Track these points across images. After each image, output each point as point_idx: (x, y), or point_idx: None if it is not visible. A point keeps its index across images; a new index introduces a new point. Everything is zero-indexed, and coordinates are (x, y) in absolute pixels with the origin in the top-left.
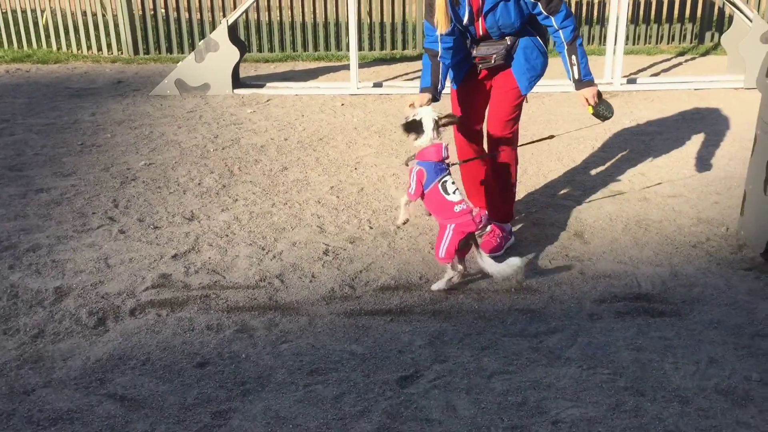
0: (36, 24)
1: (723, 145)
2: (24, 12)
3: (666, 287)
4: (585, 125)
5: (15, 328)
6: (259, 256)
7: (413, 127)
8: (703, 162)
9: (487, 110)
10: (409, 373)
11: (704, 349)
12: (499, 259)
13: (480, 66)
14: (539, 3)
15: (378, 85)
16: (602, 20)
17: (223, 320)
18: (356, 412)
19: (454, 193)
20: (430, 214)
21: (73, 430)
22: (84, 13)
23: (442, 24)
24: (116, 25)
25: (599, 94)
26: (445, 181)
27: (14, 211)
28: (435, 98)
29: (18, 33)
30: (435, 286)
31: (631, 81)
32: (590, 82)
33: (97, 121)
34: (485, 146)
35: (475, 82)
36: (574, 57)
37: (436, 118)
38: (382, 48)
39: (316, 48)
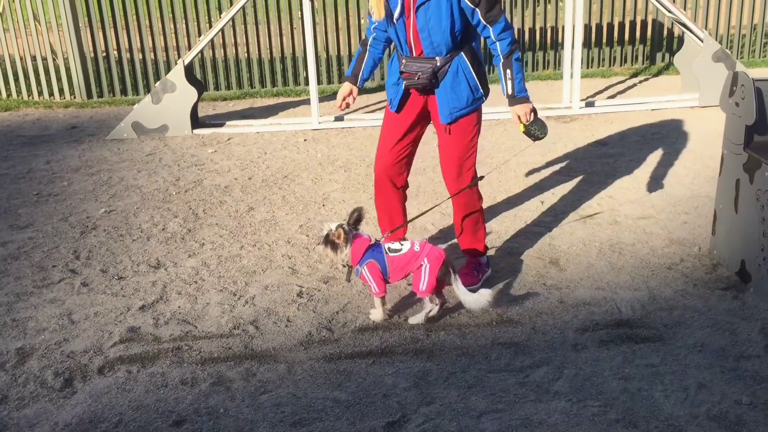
0: None
1: (685, 163)
2: None
3: (646, 311)
4: (519, 152)
5: None
6: (231, 302)
7: (333, 246)
8: (668, 182)
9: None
10: (396, 418)
11: (691, 374)
12: (474, 290)
13: (405, 83)
14: (478, 10)
15: (339, 118)
16: (556, 45)
17: (198, 373)
18: None
19: (401, 245)
20: (407, 279)
21: None
22: (33, 58)
23: (375, 10)
24: (68, 69)
25: (534, 112)
26: (388, 249)
27: None
28: (357, 86)
29: None
30: (413, 320)
31: (590, 104)
32: (524, 99)
33: (52, 169)
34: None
35: (408, 112)
36: (509, 71)
37: (344, 227)
38: (340, 81)
39: (274, 84)
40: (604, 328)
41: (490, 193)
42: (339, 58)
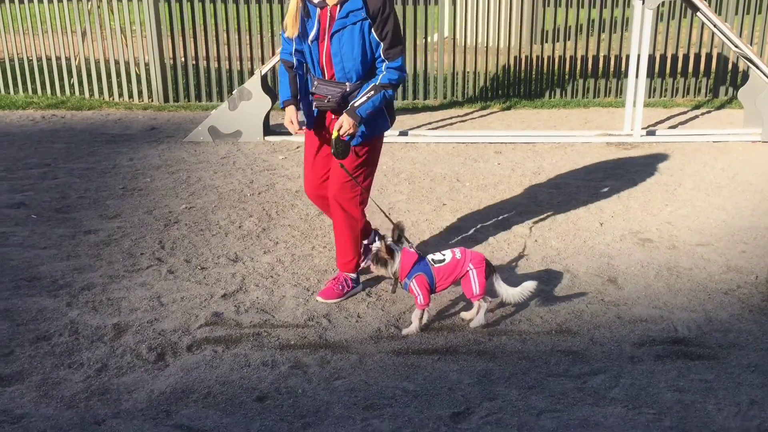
0: (69, 71)
1: (745, 195)
2: (58, 59)
3: (702, 332)
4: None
5: (79, 362)
6: (305, 296)
7: (382, 262)
8: (728, 212)
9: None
10: (460, 409)
11: (744, 392)
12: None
13: (315, 104)
14: (381, 43)
15: (404, 133)
16: (618, 73)
17: (277, 357)
18: None
19: (444, 255)
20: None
21: None
22: (117, 62)
23: (289, 27)
24: (148, 73)
25: (351, 136)
26: (433, 260)
27: (66, 252)
28: (298, 108)
29: (52, 80)
30: (475, 323)
31: (651, 133)
32: (358, 118)
33: (135, 166)
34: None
35: (326, 129)
36: (372, 93)
37: (388, 243)
38: (404, 98)
39: None
40: (660, 344)
41: (550, 212)
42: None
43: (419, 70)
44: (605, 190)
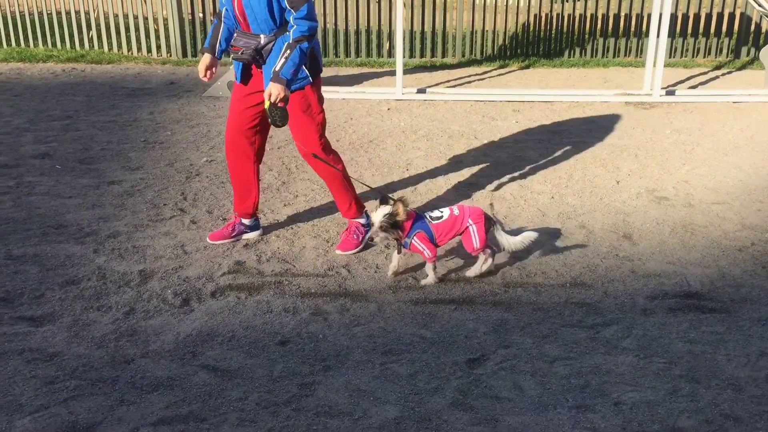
0: (89, 25)
1: (763, 155)
2: (77, 13)
3: (714, 287)
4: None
5: (107, 306)
6: (325, 247)
7: (391, 229)
8: (745, 171)
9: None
10: (476, 356)
11: (754, 344)
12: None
13: (232, 56)
14: None
15: (422, 91)
16: (639, 33)
17: (298, 304)
18: (431, 388)
19: (441, 212)
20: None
21: (174, 395)
22: (136, 17)
23: None
24: (166, 29)
25: (285, 101)
26: (431, 216)
27: (91, 201)
28: (216, 56)
29: (71, 34)
30: (471, 273)
31: (670, 92)
32: (284, 81)
33: (155, 119)
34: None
35: (252, 83)
36: (288, 52)
37: (391, 213)
38: (422, 56)
39: (358, 54)
40: (672, 297)
41: (567, 170)
42: (423, 33)
43: (438, 28)
44: (622, 148)
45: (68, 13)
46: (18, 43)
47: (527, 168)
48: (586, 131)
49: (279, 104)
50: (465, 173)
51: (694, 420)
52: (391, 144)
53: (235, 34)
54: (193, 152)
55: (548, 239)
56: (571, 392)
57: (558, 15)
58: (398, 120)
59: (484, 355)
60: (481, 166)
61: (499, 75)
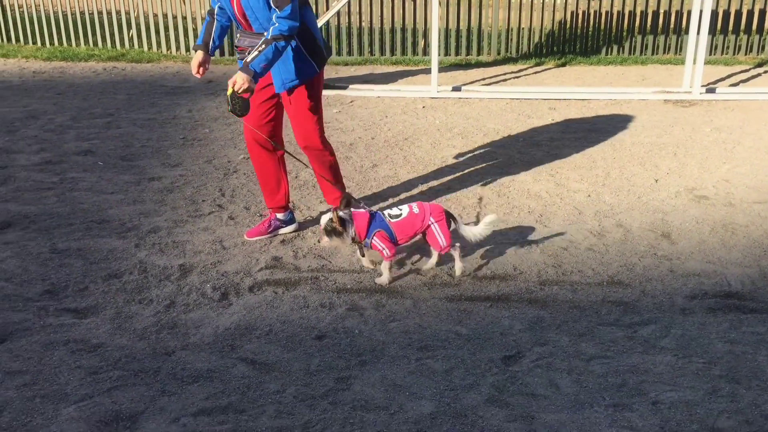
0: (129, 25)
1: None
2: (118, 13)
3: (756, 287)
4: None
5: (149, 299)
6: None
7: (336, 233)
8: None
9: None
10: (512, 353)
11: None
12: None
13: (238, 57)
14: None
15: (457, 89)
16: (679, 30)
17: (334, 299)
18: (466, 384)
19: (400, 210)
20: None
21: (214, 387)
22: (174, 16)
23: None
24: None
25: (249, 92)
26: (390, 215)
27: (132, 197)
28: (209, 53)
29: (112, 33)
30: (427, 267)
31: (711, 90)
32: (251, 72)
33: (194, 117)
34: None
35: (265, 78)
36: (263, 47)
37: (339, 215)
38: (457, 54)
39: (393, 52)
40: (712, 297)
41: (604, 168)
42: (458, 31)
43: (473, 25)
44: (661, 146)
45: (109, 13)
46: (60, 43)
47: (563, 166)
48: (624, 129)
49: (243, 95)
50: (500, 171)
51: (734, 420)
52: (426, 142)
53: (238, 35)
54: (231, 149)
55: (584, 237)
56: (608, 391)
57: (595, 12)
58: (433, 118)
59: (520, 353)
60: (516, 164)
61: (535, 73)
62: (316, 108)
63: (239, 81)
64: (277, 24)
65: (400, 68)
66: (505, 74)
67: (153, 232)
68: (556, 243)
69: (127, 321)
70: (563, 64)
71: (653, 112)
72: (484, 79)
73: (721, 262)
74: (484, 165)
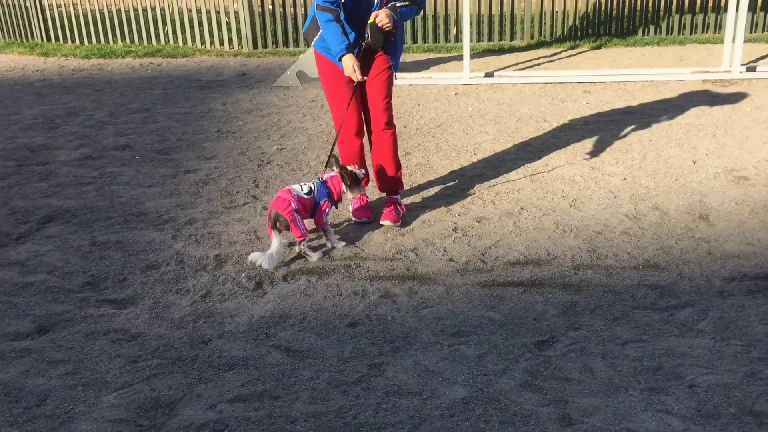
0: (164, 21)
1: None
2: (153, 9)
3: None
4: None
5: (186, 289)
6: (393, 231)
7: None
8: None
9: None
10: (545, 338)
11: None
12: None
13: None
14: None
15: (489, 75)
16: (717, 8)
17: (367, 287)
18: (499, 369)
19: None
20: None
21: (249, 374)
22: (208, 11)
23: None
24: (237, 22)
25: (392, 27)
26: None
27: (169, 190)
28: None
29: (148, 29)
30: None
31: (751, 69)
32: (395, 10)
33: (228, 110)
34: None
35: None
36: (410, 3)
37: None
38: (489, 39)
39: (425, 40)
40: (752, 279)
41: (641, 151)
42: (490, 16)
43: (506, 10)
44: (699, 127)
45: (144, 10)
46: (98, 40)
47: (598, 150)
48: (661, 111)
49: (383, 27)
50: (533, 156)
51: None
52: (459, 128)
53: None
54: (265, 141)
55: (619, 221)
56: (644, 374)
57: None
58: (466, 104)
59: (554, 337)
60: (550, 148)
61: (570, 56)
62: (391, 95)
63: (382, 15)
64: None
65: (432, 55)
66: (538, 58)
67: (189, 224)
68: (590, 227)
69: (164, 311)
70: (598, 47)
71: (691, 93)
72: (517, 64)
73: (761, 244)
74: (517, 150)
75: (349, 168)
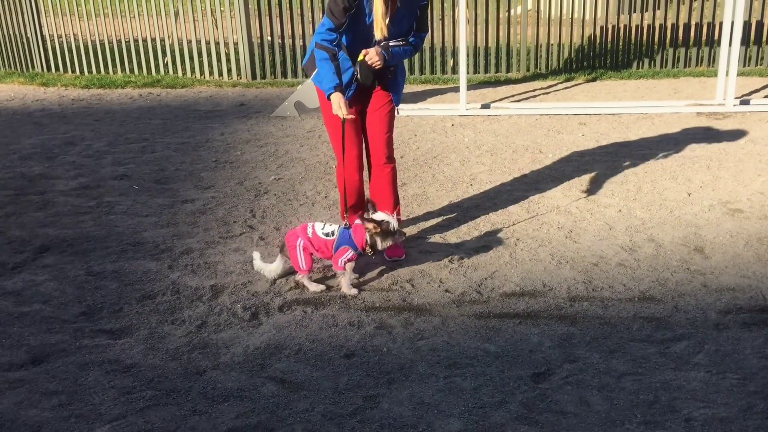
0: (164, 51)
1: None
2: (153, 40)
3: None
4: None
5: (181, 319)
6: (388, 262)
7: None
8: None
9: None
10: (541, 370)
11: None
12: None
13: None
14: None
15: (486, 106)
16: (711, 42)
17: (363, 318)
18: (495, 402)
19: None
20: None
21: (244, 406)
22: (207, 42)
23: (378, 30)
24: (236, 53)
25: (385, 63)
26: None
27: (166, 219)
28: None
29: (147, 60)
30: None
31: (744, 102)
32: (387, 50)
33: (226, 140)
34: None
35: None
36: (404, 44)
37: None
38: (486, 71)
39: (422, 71)
40: (747, 312)
41: (636, 183)
42: (486, 48)
43: (502, 43)
44: (694, 160)
45: (144, 41)
46: (98, 70)
47: (594, 181)
48: (656, 143)
49: (372, 65)
50: (529, 187)
51: None
52: (455, 159)
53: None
54: (262, 171)
55: (615, 253)
56: (640, 408)
57: (625, 26)
58: (462, 135)
59: (549, 370)
60: (545, 179)
61: (565, 88)
62: (392, 130)
63: (372, 53)
64: (418, 40)
65: (429, 87)
66: (534, 90)
67: (186, 254)
68: (586, 259)
69: (159, 341)
70: (593, 79)
71: (686, 125)
72: (513, 95)
73: (756, 277)
74: (512, 181)
75: (380, 217)
